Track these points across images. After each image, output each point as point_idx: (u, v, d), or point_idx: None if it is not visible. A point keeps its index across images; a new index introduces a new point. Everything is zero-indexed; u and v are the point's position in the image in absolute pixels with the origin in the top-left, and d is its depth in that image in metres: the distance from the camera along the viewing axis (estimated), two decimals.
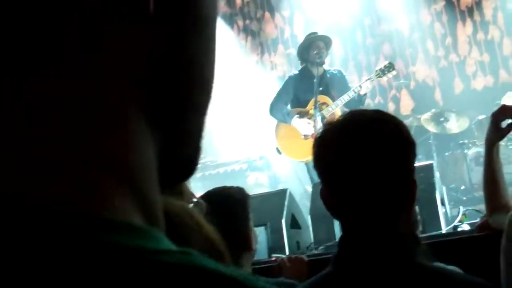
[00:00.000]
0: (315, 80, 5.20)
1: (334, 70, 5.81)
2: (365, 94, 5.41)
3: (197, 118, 0.41)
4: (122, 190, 0.30)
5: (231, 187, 2.34)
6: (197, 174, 6.20)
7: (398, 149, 1.35)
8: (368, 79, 5.39)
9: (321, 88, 5.41)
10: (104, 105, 0.31)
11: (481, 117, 7.03)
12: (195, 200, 1.88)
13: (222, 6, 9.20)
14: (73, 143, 0.29)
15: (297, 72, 5.76)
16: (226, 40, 9.13)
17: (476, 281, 1.36)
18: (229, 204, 2.23)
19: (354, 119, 1.41)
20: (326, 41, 5.62)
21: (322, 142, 1.41)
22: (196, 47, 0.38)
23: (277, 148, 5.67)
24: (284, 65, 9.13)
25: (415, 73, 8.66)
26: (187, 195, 1.71)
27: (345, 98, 5.34)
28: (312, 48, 5.46)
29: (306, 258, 2.77)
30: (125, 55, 0.33)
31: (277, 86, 8.60)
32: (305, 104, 5.48)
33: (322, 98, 5.40)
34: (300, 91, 5.52)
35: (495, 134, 2.21)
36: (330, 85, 5.55)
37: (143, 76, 0.34)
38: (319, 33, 5.73)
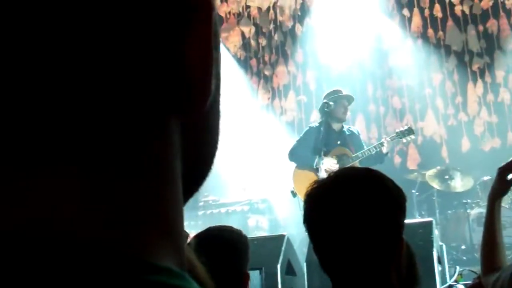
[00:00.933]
0: (333, 134, 5.57)
1: (352, 128, 6.19)
2: (387, 153, 5.75)
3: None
4: (163, 241, 0.35)
5: (232, 228, 2.32)
6: (199, 212, 6.27)
7: (386, 209, 1.37)
8: (390, 137, 5.77)
9: (338, 142, 5.81)
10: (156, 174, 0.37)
11: (486, 178, 7.02)
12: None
13: (237, 48, 9.35)
14: (135, 205, 0.35)
15: (318, 124, 5.96)
16: (239, 83, 9.25)
17: None
18: (229, 245, 2.21)
19: (344, 178, 1.44)
20: (350, 100, 5.97)
21: (312, 199, 1.43)
22: (215, 116, 0.43)
23: (292, 191, 5.87)
24: (294, 111, 9.20)
25: (423, 129, 8.69)
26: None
27: (367, 152, 5.69)
28: (339, 105, 5.78)
29: None
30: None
31: (285, 131, 8.72)
32: (326, 154, 5.72)
33: (342, 149, 5.80)
34: (319, 142, 5.71)
35: (499, 186, 2.22)
36: (349, 140, 5.88)
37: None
38: (343, 92, 6.01)
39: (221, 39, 0.45)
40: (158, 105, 0.36)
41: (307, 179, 5.64)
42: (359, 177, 1.43)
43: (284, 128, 9.00)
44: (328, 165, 5.59)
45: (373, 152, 5.67)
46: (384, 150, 5.64)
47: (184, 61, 0.36)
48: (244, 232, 2.33)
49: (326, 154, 5.69)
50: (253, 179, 7.89)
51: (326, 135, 5.67)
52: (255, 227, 7.14)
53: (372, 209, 1.36)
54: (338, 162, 5.63)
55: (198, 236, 2.22)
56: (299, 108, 9.16)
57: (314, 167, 5.66)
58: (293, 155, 5.93)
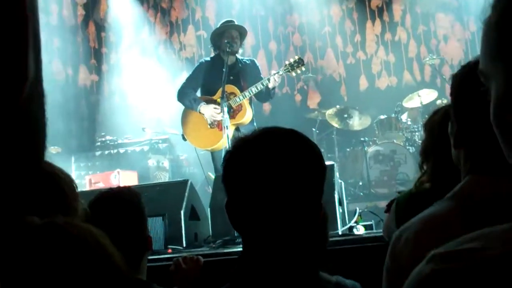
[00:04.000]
0: (223, 69, 5.09)
1: (247, 59, 5.69)
2: (274, 88, 5.35)
3: None
4: None
5: (123, 190, 2.21)
6: (96, 153, 5.99)
7: (312, 171, 1.31)
8: (277, 72, 5.28)
9: (231, 78, 5.33)
10: None
11: (382, 116, 7.23)
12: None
13: None
14: None
15: (208, 58, 5.62)
16: (135, 16, 8.84)
17: None
18: (124, 209, 2.11)
19: (268, 138, 1.35)
20: (241, 31, 5.52)
21: (233, 157, 1.34)
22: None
23: (182, 135, 5.55)
24: (193, 46, 8.95)
25: (323, 67, 8.76)
26: (80, 212, 1.58)
27: (253, 90, 5.26)
28: (225, 36, 5.35)
29: (202, 260, 2.68)
30: None
31: (184, 67, 8.49)
32: (213, 92, 5.36)
33: (230, 87, 5.31)
34: (209, 79, 5.40)
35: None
36: (242, 75, 5.47)
37: None
38: (235, 22, 5.61)
39: None
40: None
41: (193, 123, 5.42)
42: (284, 137, 1.35)
43: (183, 64, 8.76)
44: (209, 114, 5.29)
45: (261, 89, 5.26)
46: (270, 85, 5.22)
47: None
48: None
49: (213, 92, 5.35)
50: (152, 118, 7.66)
51: (217, 70, 5.29)
52: (156, 168, 6.97)
53: (298, 172, 1.28)
54: (226, 103, 5.12)
55: (93, 204, 2.09)
56: (199, 43, 8.92)
57: (198, 111, 5.36)
58: (180, 95, 5.51)
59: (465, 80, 1.31)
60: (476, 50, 8.46)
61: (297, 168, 1.29)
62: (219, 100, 5.22)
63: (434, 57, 7.61)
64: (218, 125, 5.26)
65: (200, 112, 5.32)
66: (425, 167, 1.99)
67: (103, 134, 7.45)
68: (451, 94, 1.36)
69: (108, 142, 7.23)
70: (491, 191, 1.20)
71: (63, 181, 1.53)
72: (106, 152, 7.15)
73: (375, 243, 2.95)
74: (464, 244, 0.62)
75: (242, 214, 1.33)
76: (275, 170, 1.27)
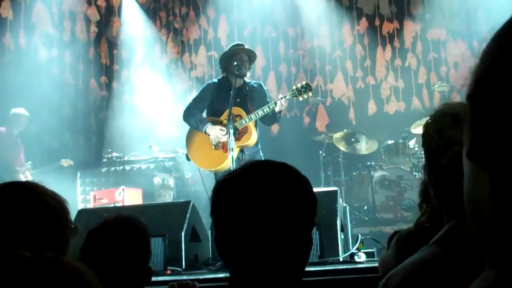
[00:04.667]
0: (231, 92, 5.11)
1: (254, 83, 5.67)
2: (280, 112, 5.33)
3: None
4: None
5: (132, 218, 2.17)
6: (102, 169, 6.00)
7: (301, 206, 1.30)
8: (284, 97, 5.26)
9: (238, 100, 5.33)
10: None
11: (390, 141, 7.22)
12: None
13: None
14: None
15: (216, 80, 5.62)
16: (147, 35, 8.93)
17: None
18: (132, 239, 2.06)
19: (258, 171, 1.33)
20: (251, 55, 5.53)
21: (222, 190, 1.33)
22: None
23: (186, 155, 5.54)
24: (204, 66, 9.01)
25: (332, 91, 8.77)
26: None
27: (259, 113, 5.23)
28: (235, 59, 5.36)
29: (198, 286, 2.66)
30: None
31: (194, 86, 8.54)
32: (219, 114, 5.37)
33: (237, 110, 5.29)
34: (217, 100, 5.40)
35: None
36: (248, 98, 5.46)
37: None
38: (245, 46, 5.63)
39: None
40: None
41: (198, 143, 5.40)
42: (273, 171, 1.33)
43: (194, 83, 8.81)
44: (214, 135, 5.27)
45: (267, 112, 5.20)
46: (277, 109, 5.18)
47: None
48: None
49: (220, 114, 5.35)
50: (160, 136, 7.69)
51: (224, 92, 5.29)
52: (161, 186, 6.98)
53: (286, 206, 1.27)
54: (232, 125, 5.06)
55: (95, 231, 2.07)
56: (210, 63, 8.97)
57: (203, 133, 5.34)
58: (186, 115, 5.48)
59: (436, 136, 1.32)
60: None
61: (286, 202, 1.27)
62: (225, 121, 5.23)
63: (444, 84, 7.60)
64: (223, 146, 5.26)
65: (205, 133, 5.32)
66: (424, 207, 1.98)
67: (109, 150, 7.48)
68: (424, 146, 1.37)
69: (114, 158, 7.25)
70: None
71: (54, 209, 1.53)
72: (112, 168, 7.16)
73: (374, 274, 2.92)
74: None
75: (230, 247, 1.31)
76: (263, 204, 1.26)
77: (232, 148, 4.95)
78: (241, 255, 1.30)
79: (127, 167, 7.17)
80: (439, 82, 7.74)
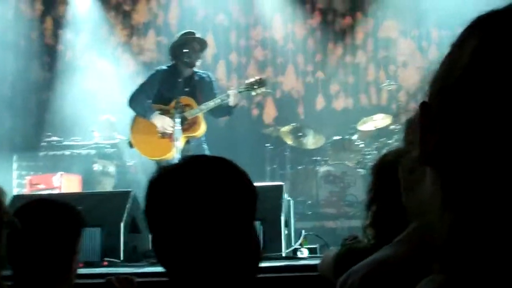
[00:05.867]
0: (180, 80, 5.01)
1: (203, 73, 5.58)
2: (235, 106, 5.25)
3: None
4: None
5: (62, 203, 2.04)
6: (40, 153, 5.77)
7: (240, 201, 1.25)
8: (237, 91, 5.25)
9: (187, 89, 5.26)
10: None
11: (336, 137, 7.23)
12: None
13: None
14: None
15: (165, 67, 5.50)
16: (95, 16, 8.65)
17: None
18: (58, 225, 1.93)
19: (194, 166, 1.28)
20: (202, 44, 5.44)
21: (157, 187, 1.27)
22: None
23: (129, 142, 5.41)
24: (152, 52, 8.80)
25: (282, 84, 8.73)
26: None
27: (211, 104, 5.18)
28: (185, 48, 5.24)
29: (136, 280, 2.55)
30: None
31: (141, 71, 8.34)
32: (168, 102, 5.25)
33: (186, 99, 5.22)
34: (165, 88, 5.30)
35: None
36: (198, 87, 5.38)
37: None
38: (196, 34, 5.52)
39: None
40: None
41: (143, 131, 5.29)
42: (210, 166, 1.28)
43: (141, 68, 8.59)
44: (161, 125, 5.16)
45: (219, 104, 5.19)
46: (231, 102, 5.15)
47: None
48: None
49: (168, 102, 5.23)
50: (103, 122, 7.46)
51: (173, 80, 5.21)
52: (101, 173, 6.76)
53: (224, 201, 1.22)
54: (180, 114, 5.04)
55: (22, 210, 1.93)
56: (158, 49, 8.76)
57: (150, 121, 5.23)
58: (133, 101, 5.35)
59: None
60: None
61: (222, 198, 1.22)
62: (172, 110, 5.12)
63: (392, 83, 7.68)
64: (169, 135, 5.14)
65: (152, 122, 5.19)
66: (371, 209, 1.94)
67: (49, 134, 7.20)
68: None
69: (54, 142, 6.99)
70: None
71: None
72: (51, 153, 6.90)
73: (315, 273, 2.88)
74: None
75: (168, 247, 1.25)
76: (199, 201, 1.20)
77: (177, 138, 4.86)
78: (179, 256, 1.24)
79: (67, 152, 6.92)
80: (388, 80, 7.81)
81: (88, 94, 7.90)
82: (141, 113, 5.30)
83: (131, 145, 5.40)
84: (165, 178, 1.26)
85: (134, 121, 5.39)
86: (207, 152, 5.28)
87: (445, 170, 0.59)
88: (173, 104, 5.15)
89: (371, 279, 1.28)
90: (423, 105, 0.63)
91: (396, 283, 1.23)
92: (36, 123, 8.13)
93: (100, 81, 8.09)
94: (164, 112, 5.24)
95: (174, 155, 4.88)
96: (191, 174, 1.24)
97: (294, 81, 8.72)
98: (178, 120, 4.90)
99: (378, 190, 1.89)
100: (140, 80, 8.02)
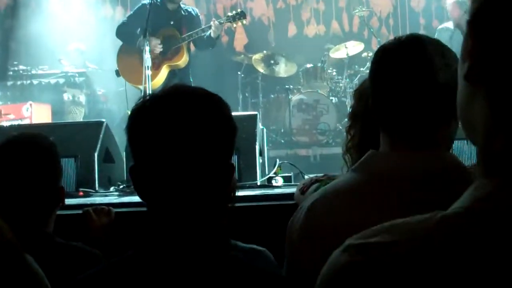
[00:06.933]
0: (165, 13, 5.16)
1: (189, 7, 5.78)
2: (217, 37, 5.48)
3: None
4: None
5: (37, 136, 2.01)
6: (8, 82, 5.62)
7: (223, 130, 1.27)
8: (219, 21, 5.45)
9: (172, 23, 5.46)
10: None
11: (308, 65, 7.19)
12: None
13: None
14: None
15: (151, 0, 5.48)
16: None
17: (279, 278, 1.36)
18: (38, 158, 1.92)
19: (177, 93, 1.28)
20: None
21: (139, 113, 1.26)
22: None
23: (116, 70, 5.58)
24: None
25: (252, 9, 8.56)
26: None
27: (193, 35, 5.39)
28: None
29: (113, 211, 2.56)
30: None
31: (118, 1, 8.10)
32: (154, 35, 5.40)
33: (171, 30, 5.46)
34: (150, 21, 5.29)
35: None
36: (183, 21, 5.54)
37: None
38: None
39: None
40: None
41: (131, 60, 5.46)
42: (192, 97, 1.28)
43: None
44: (152, 45, 5.27)
45: (201, 35, 5.43)
46: (213, 34, 5.38)
47: None
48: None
49: (153, 34, 5.34)
50: (71, 50, 7.27)
51: (158, 13, 5.32)
52: (72, 102, 6.66)
53: (205, 133, 1.23)
54: (163, 43, 5.36)
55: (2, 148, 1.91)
56: None
57: (137, 47, 5.33)
58: (120, 32, 5.58)
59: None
60: (405, 4, 8.51)
61: (204, 130, 1.23)
62: (161, 38, 5.42)
63: (364, 8, 7.61)
64: (153, 64, 5.23)
65: (146, 44, 5.23)
66: (352, 133, 1.95)
67: (15, 63, 7.01)
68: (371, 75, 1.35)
69: (21, 72, 6.82)
70: (389, 165, 1.25)
71: None
72: (19, 82, 6.75)
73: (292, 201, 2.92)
74: (378, 236, 0.62)
75: (147, 178, 1.26)
76: (181, 131, 1.21)
77: (148, 66, 4.91)
78: (158, 185, 1.25)
79: (35, 82, 6.77)
80: (360, 6, 7.73)
81: (54, 21, 7.63)
82: (128, 41, 5.47)
83: (118, 73, 5.56)
84: (149, 108, 1.26)
85: (121, 50, 5.59)
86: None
87: (497, 89, 0.60)
88: (159, 34, 5.41)
89: (320, 203, 1.29)
90: (472, 22, 0.63)
91: (354, 209, 1.22)
92: (1, 52, 7.87)
93: (65, 7, 7.81)
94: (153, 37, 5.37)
95: (159, 83, 5.20)
96: (174, 105, 1.24)
97: (265, 7, 8.56)
98: (147, 49, 4.94)
99: (359, 112, 1.90)
100: (106, 6, 7.87)
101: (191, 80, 5.62)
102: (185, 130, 1.21)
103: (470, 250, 0.57)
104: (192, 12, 5.69)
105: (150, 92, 4.73)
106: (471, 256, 0.56)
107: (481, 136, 0.63)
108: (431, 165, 1.21)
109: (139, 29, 5.48)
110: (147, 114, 1.24)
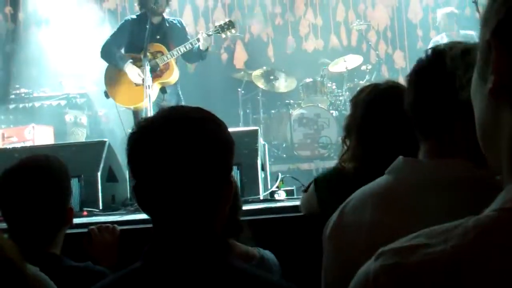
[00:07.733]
0: (150, 28, 4.96)
1: (174, 19, 5.57)
2: (206, 50, 5.28)
3: None
4: None
5: (49, 158, 2.04)
6: (10, 106, 5.65)
7: (218, 149, 1.33)
8: (207, 34, 5.23)
9: (158, 37, 5.26)
10: None
11: (308, 80, 7.23)
12: None
13: None
14: None
15: (134, 16, 5.50)
16: None
17: (284, 285, 1.39)
18: (50, 181, 1.96)
19: (173, 116, 1.36)
20: None
21: (138, 138, 1.33)
22: None
23: (105, 92, 5.40)
24: None
25: (250, 27, 8.62)
26: None
27: (182, 49, 5.20)
28: None
29: (118, 228, 2.57)
30: None
31: (106, 19, 8.14)
32: (140, 50, 5.17)
33: (158, 46, 5.24)
34: (136, 37, 5.26)
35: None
36: (169, 34, 5.37)
37: None
38: None
39: None
40: None
41: (119, 80, 5.31)
42: (190, 119, 1.34)
43: (105, 16, 8.38)
44: (132, 76, 5.17)
45: (190, 49, 5.21)
46: (202, 46, 5.18)
47: None
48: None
49: (140, 51, 5.14)
50: (71, 71, 7.32)
51: (143, 28, 5.10)
52: (73, 123, 6.69)
53: (203, 152, 1.30)
54: (151, 62, 5.09)
55: (10, 172, 1.94)
56: None
57: (120, 68, 5.24)
58: (105, 52, 5.37)
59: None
60: (402, 16, 8.57)
61: (197, 151, 1.29)
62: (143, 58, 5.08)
63: (361, 22, 7.66)
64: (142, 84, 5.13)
65: (124, 71, 5.18)
66: (347, 143, 1.97)
67: (17, 86, 7.06)
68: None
69: (23, 95, 6.87)
70: (423, 172, 1.23)
71: None
72: (21, 105, 6.79)
73: (295, 214, 2.94)
74: (411, 241, 0.62)
75: (148, 196, 1.33)
76: (176, 154, 1.28)
77: (149, 86, 4.85)
78: (160, 202, 1.32)
79: (37, 104, 6.81)
80: (357, 20, 7.78)
81: (53, 43, 7.69)
82: (113, 63, 5.31)
83: (107, 95, 5.40)
84: (145, 132, 1.33)
85: (108, 71, 5.40)
86: (183, 102, 5.34)
87: None
88: (144, 52, 5.07)
89: (349, 206, 1.29)
90: (496, 34, 0.60)
91: (371, 212, 1.22)
92: (3, 76, 7.92)
93: (64, 29, 7.87)
94: (136, 60, 5.21)
95: (148, 103, 4.89)
96: (169, 130, 1.30)
97: (263, 24, 8.61)
98: (148, 68, 4.86)
99: (353, 123, 1.92)
100: (105, 27, 7.91)
101: (181, 96, 5.45)
102: (179, 154, 1.28)
103: (508, 249, 0.56)
104: (178, 24, 5.52)
105: (150, 109, 4.77)
106: (509, 255, 0.55)
107: (507, 147, 0.62)
108: (461, 173, 1.20)
109: (123, 48, 5.37)
110: (145, 139, 1.32)
